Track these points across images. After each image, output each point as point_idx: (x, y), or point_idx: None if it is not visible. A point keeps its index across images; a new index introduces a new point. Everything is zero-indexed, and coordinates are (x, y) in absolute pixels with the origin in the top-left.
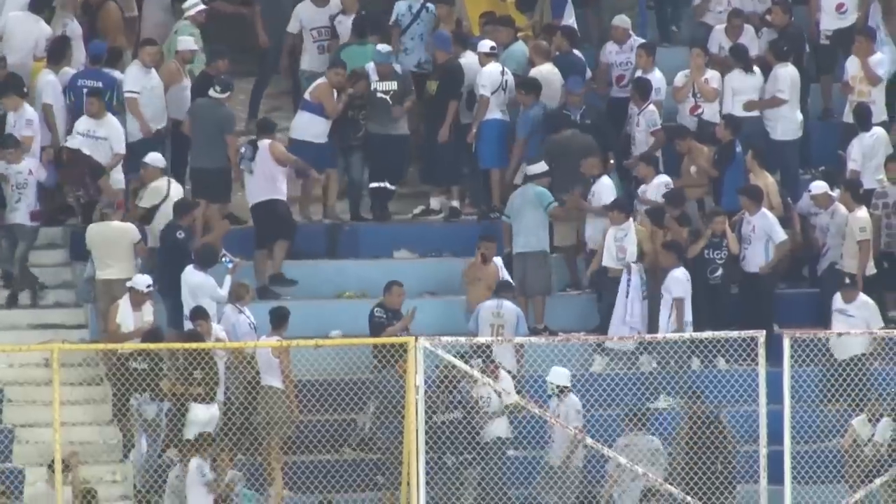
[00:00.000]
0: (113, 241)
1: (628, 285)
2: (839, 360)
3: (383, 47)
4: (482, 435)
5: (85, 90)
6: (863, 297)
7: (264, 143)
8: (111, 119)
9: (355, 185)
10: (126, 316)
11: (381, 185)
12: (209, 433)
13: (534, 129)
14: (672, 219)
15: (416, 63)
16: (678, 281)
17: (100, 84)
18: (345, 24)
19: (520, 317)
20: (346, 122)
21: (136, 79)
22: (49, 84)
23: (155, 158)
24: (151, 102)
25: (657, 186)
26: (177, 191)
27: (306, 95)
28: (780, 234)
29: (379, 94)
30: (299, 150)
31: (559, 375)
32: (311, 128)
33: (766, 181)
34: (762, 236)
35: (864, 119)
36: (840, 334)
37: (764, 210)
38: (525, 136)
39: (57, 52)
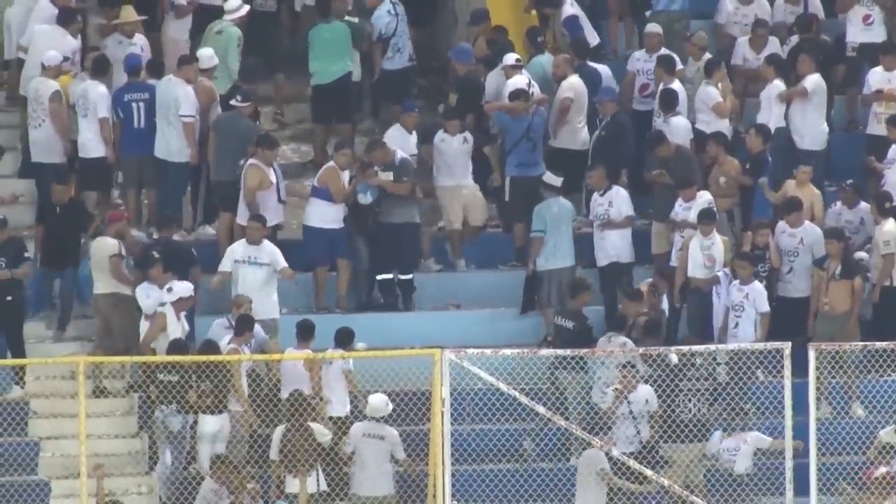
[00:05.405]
0: (97, 255)
1: (720, 295)
2: None
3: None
4: None
5: (134, 104)
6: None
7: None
8: (268, 243)
9: (362, 273)
10: (174, 327)
11: (390, 276)
12: (225, 455)
13: (523, 136)
14: None
15: (408, 58)
16: (763, 294)
17: (146, 95)
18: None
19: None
20: (362, 209)
21: (193, 102)
22: (102, 97)
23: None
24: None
25: (701, 205)
26: None
27: (315, 181)
28: (823, 250)
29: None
30: (313, 238)
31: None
32: (321, 214)
33: (813, 193)
34: (808, 250)
35: None
36: (865, 345)
37: (807, 223)
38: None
39: (102, 67)
